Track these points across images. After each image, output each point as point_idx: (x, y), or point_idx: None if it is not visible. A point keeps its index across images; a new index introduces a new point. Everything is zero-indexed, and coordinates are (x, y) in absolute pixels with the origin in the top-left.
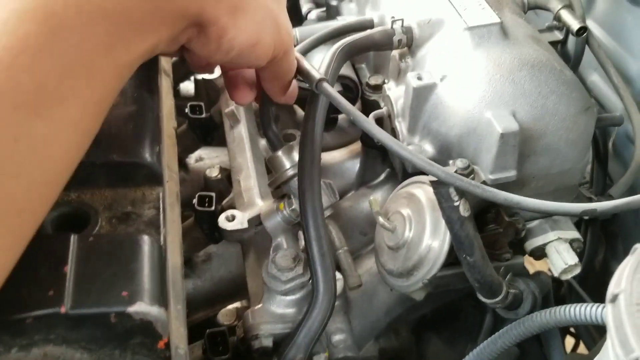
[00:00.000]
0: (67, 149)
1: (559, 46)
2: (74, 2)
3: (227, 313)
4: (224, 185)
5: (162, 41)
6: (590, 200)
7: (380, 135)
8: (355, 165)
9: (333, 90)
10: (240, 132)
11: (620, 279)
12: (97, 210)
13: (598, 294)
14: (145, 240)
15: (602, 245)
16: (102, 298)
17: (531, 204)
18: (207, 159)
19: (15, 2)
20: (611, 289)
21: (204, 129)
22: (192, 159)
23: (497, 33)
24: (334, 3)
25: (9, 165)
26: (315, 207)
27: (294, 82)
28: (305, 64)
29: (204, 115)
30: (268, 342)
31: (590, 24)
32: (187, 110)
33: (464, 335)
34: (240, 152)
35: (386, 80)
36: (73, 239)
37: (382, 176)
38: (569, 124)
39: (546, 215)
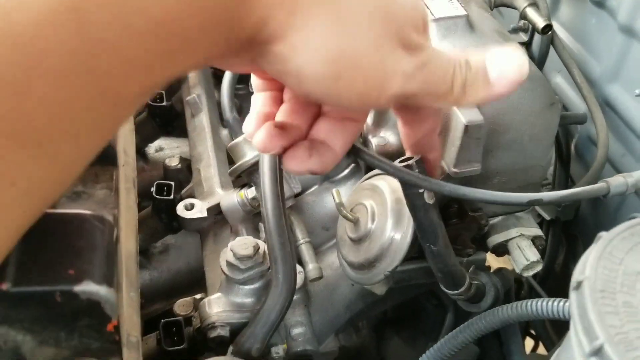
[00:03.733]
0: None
1: (524, 48)
2: (104, 13)
3: (183, 304)
4: (184, 175)
5: (205, 59)
6: None
7: None
8: None
9: None
10: (202, 121)
11: (584, 266)
12: None
13: (558, 296)
14: (95, 218)
15: (562, 247)
16: (46, 276)
17: (478, 194)
18: (167, 149)
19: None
20: (575, 277)
21: (165, 118)
22: (151, 148)
23: (463, 26)
24: None
25: None
26: (277, 194)
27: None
28: None
29: (164, 103)
30: (225, 332)
31: (555, 25)
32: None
33: (424, 334)
34: (201, 141)
35: None
36: None
37: (346, 171)
38: (533, 119)
39: (506, 212)
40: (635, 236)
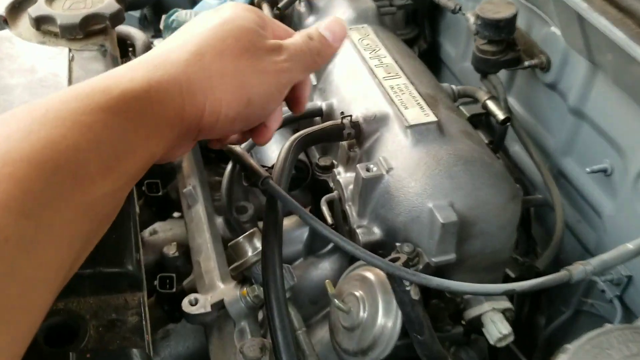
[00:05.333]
0: (60, 246)
1: (483, 117)
2: (64, 108)
3: None
4: (182, 262)
5: (159, 151)
6: (516, 260)
7: (327, 232)
8: (303, 234)
9: (278, 188)
10: (199, 212)
11: None
12: (85, 318)
13: (525, 343)
14: (136, 354)
15: (527, 300)
16: None
17: (460, 287)
18: (161, 232)
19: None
20: None
21: (161, 206)
22: (146, 232)
23: (434, 131)
24: None
25: (1, 264)
26: (280, 298)
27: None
28: (251, 161)
29: (160, 193)
30: None
31: (512, 101)
32: (144, 187)
33: None
34: (200, 233)
35: (334, 162)
36: (72, 356)
37: (330, 245)
38: (499, 211)
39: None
40: (596, 348)
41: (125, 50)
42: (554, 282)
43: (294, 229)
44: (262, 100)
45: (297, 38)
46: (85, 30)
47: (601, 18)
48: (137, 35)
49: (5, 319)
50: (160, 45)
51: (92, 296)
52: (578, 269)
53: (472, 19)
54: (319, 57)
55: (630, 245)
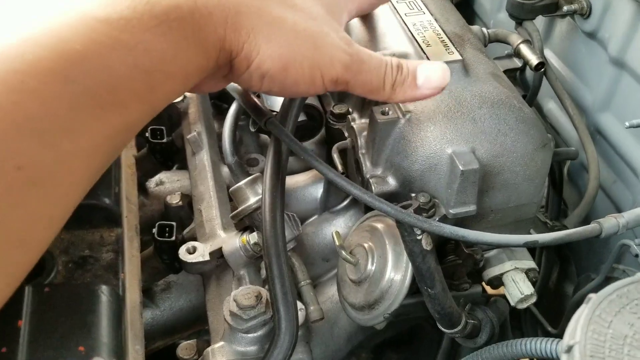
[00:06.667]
0: (72, 182)
1: (517, 73)
2: (98, 30)
3: (186, 347)
4: (185, 213)
5: (194, 79)
6: (545, 224)
7: (335, 177)
8: (318, 190)
9: (281, 128)
10: (203, 160)
11: (575, 330)
12: (53, 254)
13: (552, 312)
14: (104, 290)
15: (556, 266)
16: (58, 354)
17: (476, 236)
18: (167, 183)
19: (28, 28)
20: (566, 340)
21: (165, 154)
22: (152, 182)
23: (458, 70)
24: None
25: (8, 195)
26: (279, 245)
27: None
28: (256, 100)
29: (165, 140)
30: None
31: (548, 53)
32: (147, 134)
33: (422, 354)
34: (202, 181)
35: (350, 110)
36: (27, 290)
37: (346, 202)
38: (526, 160)
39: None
40: (622, 298)
41: None
42: (583, 235)
43: (308, 186)
44: (299, 76)
45: (379, 56)
46: None
47: None
48: None
49: (7, 253)
50: None
51: (65, 230)
52: (610, 222)
53: None
54: (391, 90)
55: None
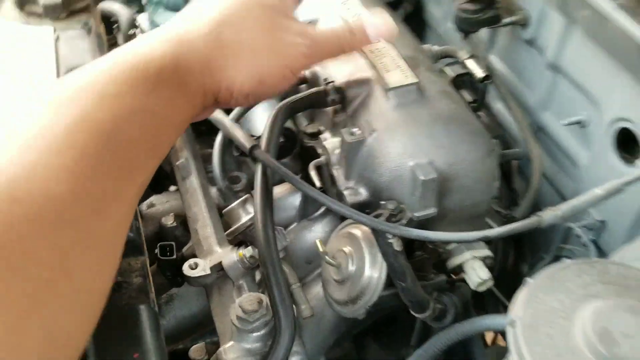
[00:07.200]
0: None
1: (468, 77)
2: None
3: (197, 349)
4: (180, 232)
5: (183, 126)
6: (498, 213)
7: (315, 194)
8: (296, 200)
9: (266, 156)
10: (193, 184)
11: (517, 307)
12: None
13: (511, 291)
14: (143, 309)
15: (512, 249)
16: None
17: (437, 236)
18: (158, 205)
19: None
20: (510, 315)
21: (155, 180)
22: (144, 205)
23: (414, 92)
24: None
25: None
26: (273, 257)
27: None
28: (237, 132)
29: None
30: None
31: (494, 59)
32: None
33: (399, 338)
34: (195, 202)
35: (321, 129)
36: None
37: (322, 209)
38: (476, 166)
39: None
40: (554, 281)
41: (110, 26)
42: (525, 227)
43: (287, 196)
44: (274, 81)
45: (328, 29)
46: (69, 8)
47: None
48: (121, 11)
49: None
50: (182, 15)
51: None
52: (548, 214)
53: None
54: (349, 47)
55: (598, 191)
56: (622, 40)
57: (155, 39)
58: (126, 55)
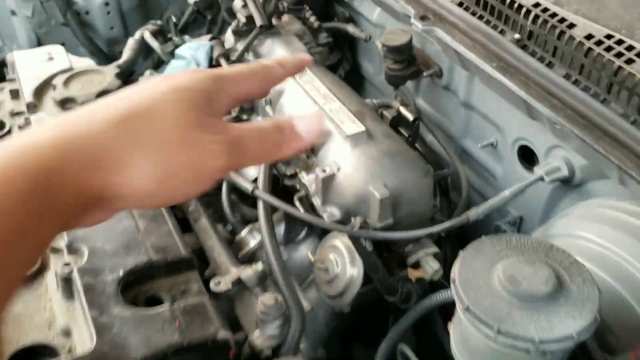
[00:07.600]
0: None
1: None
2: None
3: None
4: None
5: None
6: (441, 220)
7: (306, 217)
8: (280, 229)
9: (266, 194)
10: (204, 223)
11: (455, 270)
12: (164, 291)
13: None
14: (207, 302)
15: (457, 248)
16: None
17: (393, 235)
18: None
19: None
20: (451, 276)
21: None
22: None
23: (365, 136)
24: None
25: None
26: (281, 265)
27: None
28: (238, 178)
29: None
30: (269, 352)
31: (421, 102)
32: None
33: (377, 335)
34: (209, 237)
35: (297, 170)
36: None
37: (303, 233)
38: (417, 185)
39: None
40: (476, 251)
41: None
42: (457, 223)
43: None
44: (182, 181)
45: (254, 125)
46: None
47: (459, 45)
48: None
49: None
50: (93, 104)
51: (165, 277)
52: (472, 212)
53: (380, 45)
54: (280, 150)
55: (506, 192)
56: (503, 88)
57: (49, 126)
58: (17, 153)
